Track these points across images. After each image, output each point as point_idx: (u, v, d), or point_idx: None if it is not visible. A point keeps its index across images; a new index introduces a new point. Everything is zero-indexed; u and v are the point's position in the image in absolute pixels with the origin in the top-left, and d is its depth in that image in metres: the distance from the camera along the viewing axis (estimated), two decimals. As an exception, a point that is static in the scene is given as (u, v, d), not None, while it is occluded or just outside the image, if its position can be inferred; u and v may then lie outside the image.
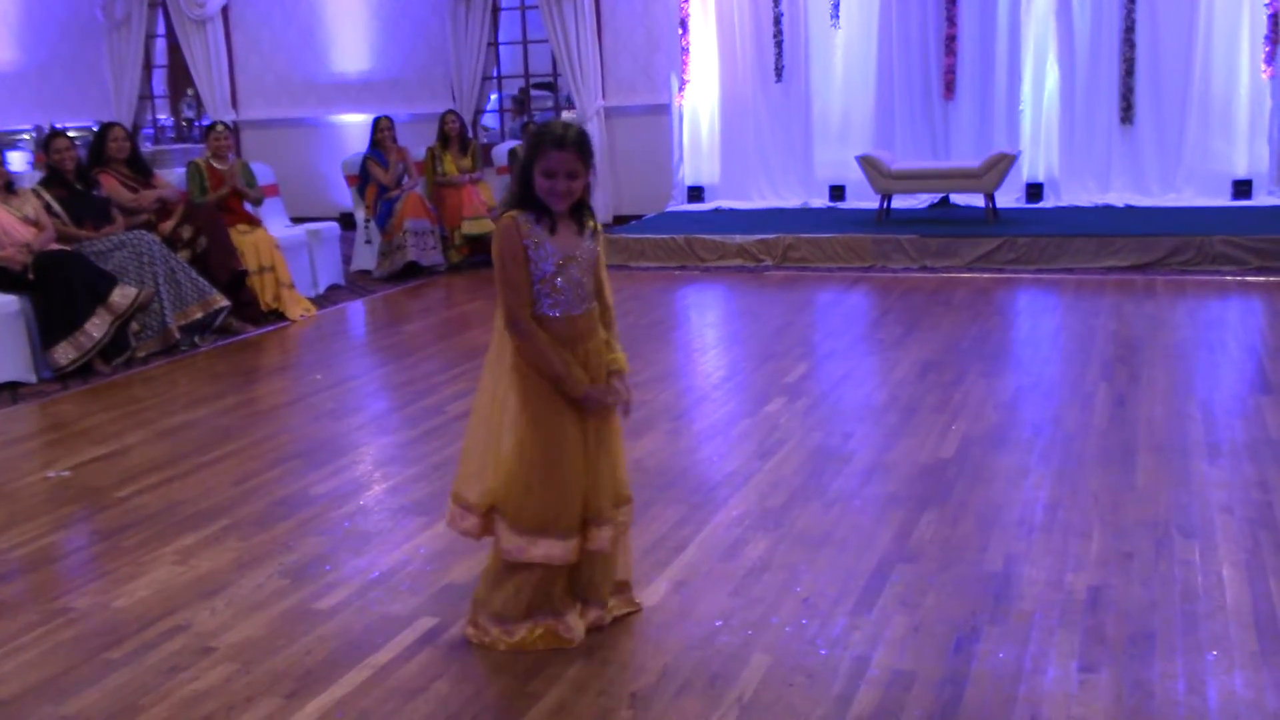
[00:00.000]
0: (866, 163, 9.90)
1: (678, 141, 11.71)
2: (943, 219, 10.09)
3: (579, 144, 3.04)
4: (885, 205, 9.98)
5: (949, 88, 10.87)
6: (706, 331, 8.05)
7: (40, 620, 3.57)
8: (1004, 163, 9.54)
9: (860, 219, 10.12)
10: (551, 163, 3.03)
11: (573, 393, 3.12)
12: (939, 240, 9.09)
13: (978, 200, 10.05)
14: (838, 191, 11.32)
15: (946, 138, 10.99)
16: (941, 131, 11.01)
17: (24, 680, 3.19)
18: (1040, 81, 10.62)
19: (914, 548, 3.82)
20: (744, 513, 4.19)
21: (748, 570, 3.70)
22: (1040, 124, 10.67)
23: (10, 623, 3.56)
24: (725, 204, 11.50)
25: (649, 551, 3.86)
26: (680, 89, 11.56)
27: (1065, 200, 10.57)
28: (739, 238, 9.64)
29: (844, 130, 11.24)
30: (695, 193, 11.79)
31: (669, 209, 11.56)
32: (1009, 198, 10.43)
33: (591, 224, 3.19)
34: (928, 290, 8.25)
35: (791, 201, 11.40)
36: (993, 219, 9.65)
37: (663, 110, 11.76)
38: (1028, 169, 10.67)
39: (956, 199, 10.59)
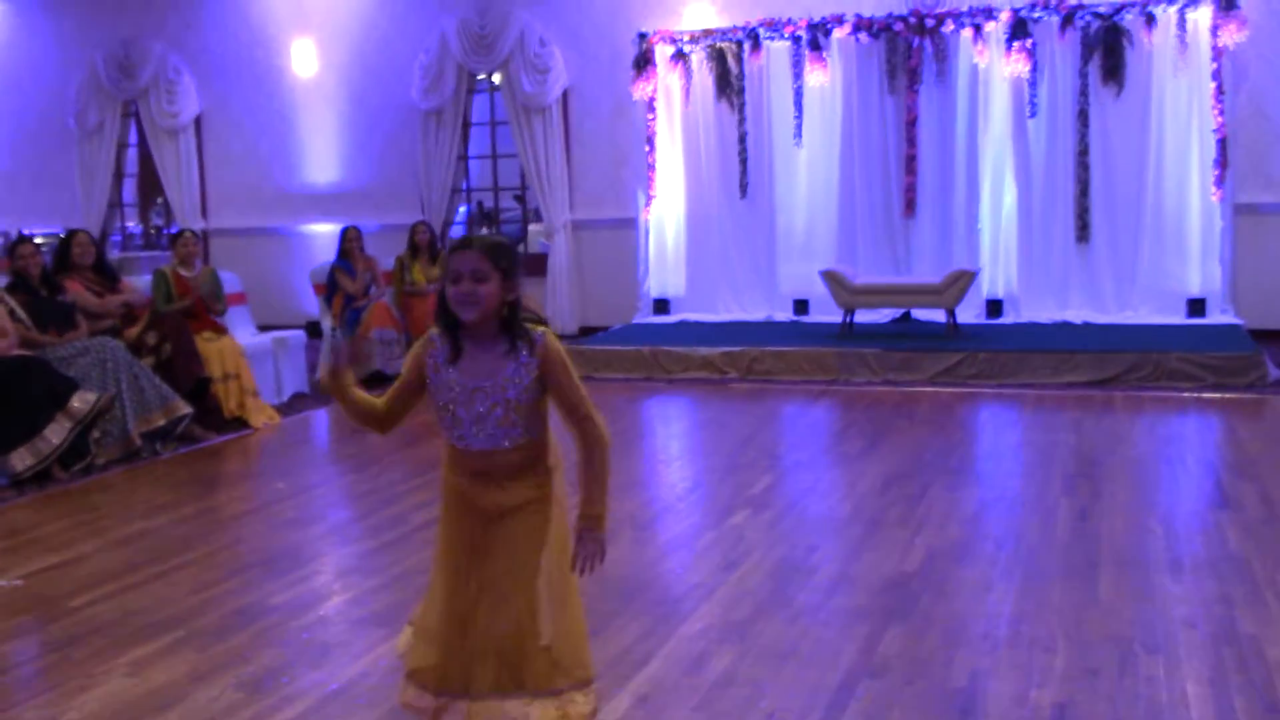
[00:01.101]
0: (830, 278, 10.04)
1: (644, 254, 11.86)
2: (905, 333, 10.22)
3: (485, 247, 2.79)
4: (848, 319, 10.10)
5: (910, 205, 11.10)
6: (671, 443, 8.06)
7: (-14, 734, 3.47)
8: (964, 279, 9.71)
9: (824, 333, 10.23)
10: (455, 263, 2.79)
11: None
12: (901, 354, 9.20)
13: (939, 315, 10.20)
14: (801, 305, 11.45)
15: (908, 254, 11.19)
16: (903, 248, 11.21)
17: (-34, 797, 3.10)
18: (998, 200, 10.87)
19: (879, 663, 3.79)
20: (709, 625, 4.16)
21: (712, 683, 3.66)
22: (999, 241, 10.89)
23: (-46, 737, 3.46)
24: (690, 316, 11.61)
25: (612, 664, 3.81)
26: (647, 204, 11.75)
27: (1025, 316, 10.74)
28: (704, 350, 9.71)
29: (808, 245, 11.41)
30: (661, 305, 11.90)
31: (635, 320, 11.65)
32: (969, 313, 10.59)
33: (526, 347, 2.83)
34: (891, 404, 8.32)
35: (756, 314, 11.52)
36: (954, 334, 9.79)
37: (629, 224, 11.92)
38: (987, 285, 10.86)
39: (918, 314, 10.74)
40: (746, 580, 4.63)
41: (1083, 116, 10.55)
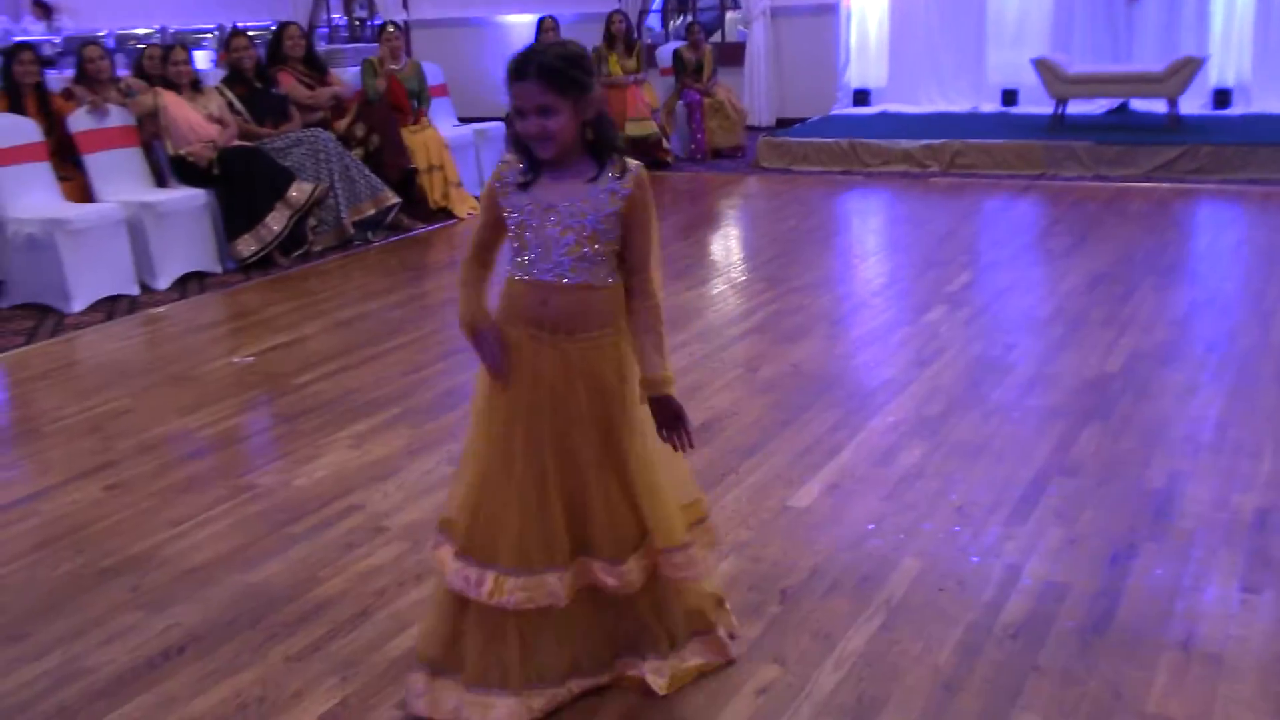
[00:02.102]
0: (1042, 66, 9.54)
1: (845, 43, 11.47)
2: (1121, 125, 9.69)
3: (544, 70, 2.31)
4: (1060, 110, 9.62)
5: (1134, -14, 10.35)
6: (868, 238, 7.96)
7: (228, 495, 3.81)
8: (1190, 67, 9.08)
9: (1033, 125, 9.78)
10: (515, 96, 2.36)
11: (470, 339, 2.53)
12: (1116, 148, 8.75)
13: (1159, 106, 9.60)
14: (1010, 96, 10.97)
15: (1129, 40, 10.50)
16: (1123, 33, 10.51)
17: (214, 549, 3.43)
18: (1235, -21, 10.03)
19: (1073, 461, 3.77)
20: (900, 419, 4.19)
21: (901, 476, 3.72)
22: (1232, 25, 10.09)
23: (201, 496, 3.81)
24: (891, 108, 11.25)
25: (803, 454, 3.90)
26: (850, -12, 11.30)
27: (1255, 107, 10.02)
28: (905, 143, 9.44)
29: (1019, 32, 10.84)
30: (861, 96, 11.56)
31: (834, 112, 11.37)
32: (1194, 104, 9.93)
33: (618, 173, 2.40)
34: (1101, 200, 7.97)
35: (961, 106, 11.08)
36: (1175, 126, 9.22)
37: (830, 11, 11.51)
38: (1215, 74, 10.13)
39: (1136, 105, 10.14)
40: (940, 376, 4.62)
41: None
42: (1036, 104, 10.32)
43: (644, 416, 2.49)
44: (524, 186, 2.44)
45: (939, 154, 9.29)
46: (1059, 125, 9.56)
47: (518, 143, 2.42)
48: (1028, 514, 3.42)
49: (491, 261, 2.55)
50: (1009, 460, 3.81)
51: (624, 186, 2.40)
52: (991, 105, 11.02)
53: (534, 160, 2.42)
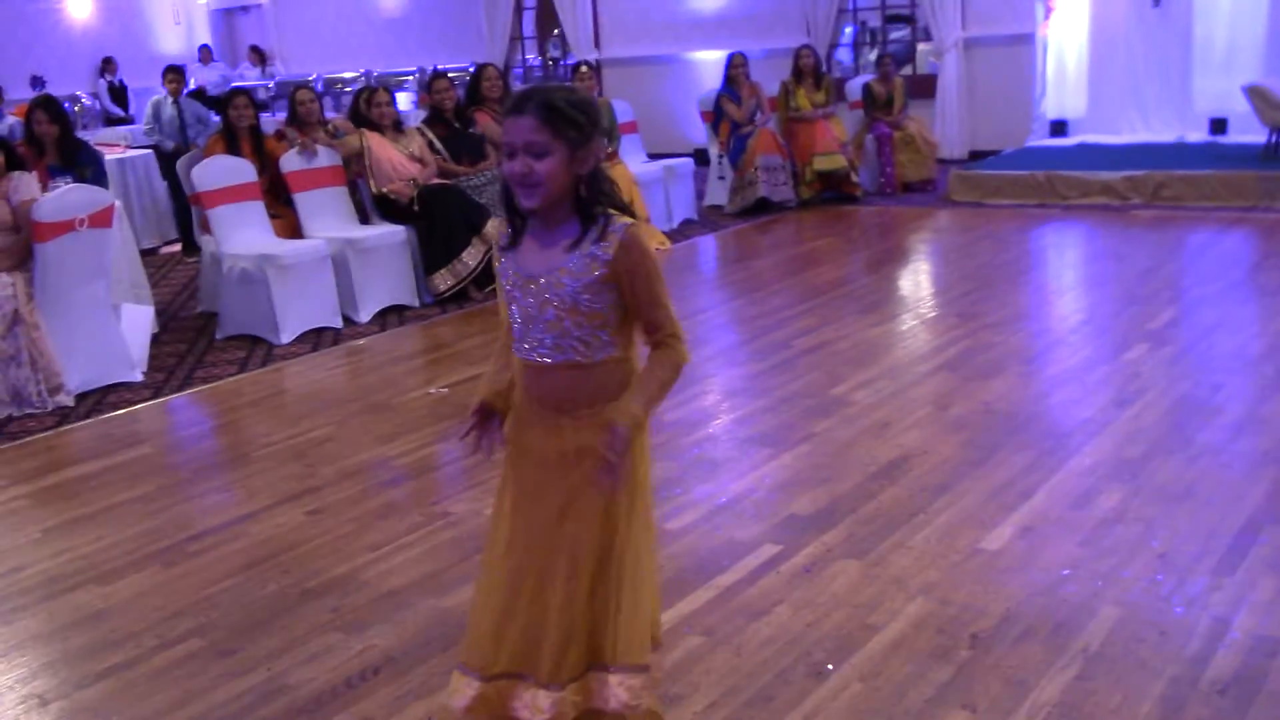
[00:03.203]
0: (1254, 93, 9.10)
1: (1040, 73, 11.20)
2: (1342, 154, 9.16)
3: (543, 108, 2.12)
4: (1274, 139, 9.15)
5: (1357, 7, 9.81)
6: (1065, 273, 7.72)
7: (423, 522, 3.94)
8: None
9: (1243, 154, 9.33)
10: (507, 133, 2.17)
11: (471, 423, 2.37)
12: (1336, 178, 8.28)
13: (1385, 133, 9.05)
14: (1219, 125, 10.51)
15: (1351, 64, 9.94)
16: (1345, 57, 9.96)
17: (410, 574, 3.55)
18: None
19: (1288, 509, 3.57)
20: (1098, 461, 4.04)
21: (1099, 520, 3.58)
22: None
23: (398, 522, 3.95)
24: (1090, 138, 10.91)
25: (995, 495, 3.80)
26: (1046, 17, 11.03)
27: None
28: (1105, 174, 9.14)
29: (1229, 57, 10.39)
30: (1058, 126, 11.25)
31: (1029, 143, 11.09)
32: None
33: (605, 229, 2.19)
34: (1319, 233, 7.55)
35: (1165, 135, 10.67)
36: (1403, 154, 8.68)
37: (1025, 40, 11.25)
38: None
39: (1360, 132, 9.57)
40: (1141, 417, 4.44)
41: None
42: (1248, 133, 9.84)
43: (647, 507, 2.34)
44: (507, 249, 2.28)
45: (1141, 186, 8.96)
46: (1273, 155, 9.10)
47: (506, 196, 2.24)
48: (1237, 564, 3.25)
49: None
50: (1216, 506, 3.63)
51: (605, 251, 2.18)
52: (1199, 134, 10.57)
53: (518, 217, 2.25)
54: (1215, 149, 9.93)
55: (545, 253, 2.22)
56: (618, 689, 2.25)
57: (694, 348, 6.02)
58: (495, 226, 7.26)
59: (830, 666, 2.87)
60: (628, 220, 2.21)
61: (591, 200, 2.20)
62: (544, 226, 2.23)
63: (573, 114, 2.14)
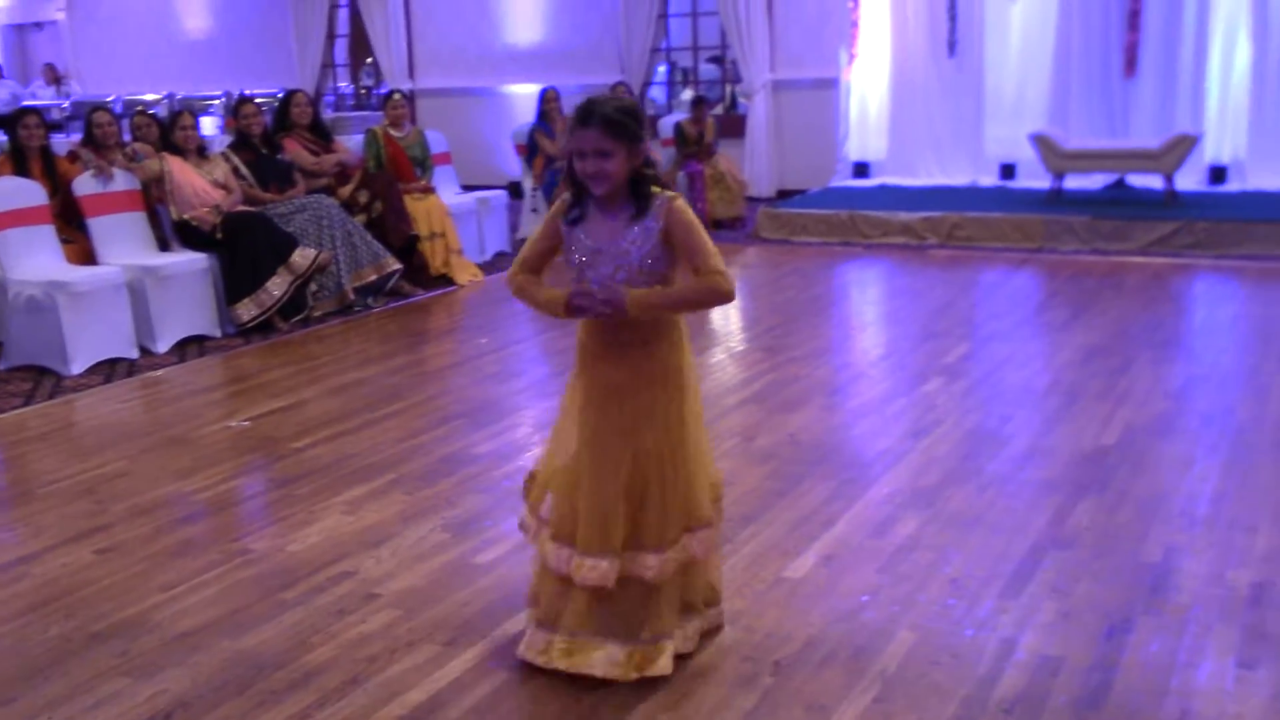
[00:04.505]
0: (1040, 141, 9.65)
1: (844, 116, 11.60)
2: (1118, 200, 9.76)
3: (606, 120, 2.75)
4: (1058, 185, 9.71)
5: (1130, 64, 10.49)
6: (866, 309, 8.00)
7: (221, 559, 3.80)
8: (1185, 144, 9.18)
9: (1031, 199, 9.87)
10: (578, 140, 2.80)
11: (561, 312, 2.89)
12: (1112, 223, 8.82)
13: (1156, 182, 9.68)
14: (1008, 170, 11.07)
15: (1125, 116, 10.62)
16: (1120, 110, 10.63)
17: (205, 614, 3.41)
18: (1229, 59, 10.15)
19: (1069, 534, 3.76)
20: (895, 490, 4.19)
21: (896, 548, 3.71)
22: (1227, 103, 10.21)
23: (194, 561, 3.80)
24: (891, 180, 11.35)
25: (799, 525, 3.89)
26: (849, 63, 11.45)
27: (1251, 184, 10.10)
28: (904, 215, 9.52)
29: (1018, 107, 10.96)
30: (860, 168, 11.66)
31: (833, 184, 11.47)
32: (1190, 180, 10.01)
33: (653, 205, 2.83)
34: (1098, 274, 8.03)
35: (960, 179, 11.18)
36: (1171, 202, 9.30)
37: (830, 84, 11.66)
38: (1211, 150, 10.23)
39: (1133, 180, 10.22)
40: (936, 447, 4.62)
41: (1331, -34, 9.72)
42: (1034, 178, 10.41)
43: (697, 413, 2.99)
44: (575, 222, 2.89)
45: (938, 226, 9.37)
46: (1057, 199, 9.65)
47: (572, 180, 2.85)
48: (1022, 587, 3.40)
49: (541, 271, 2.99)
50: (1004, 533, 3.80)
51: (656, 222, 2.82)
52: (990, 179, 11.11)
53: (582, 197, 2.87)
54: (1005, 193, 10.46)
55: (610, 227, 2.85)
56: (692, 544, 2.96)
57: (504, 380, 6.01)
58: (303, 255, 7.12)
59: (639, 698, 2.88)
60: (669, 194, 2.86)
61: (645, 183, 2.84)
62: (606, 206, 2.86)
63: (628, 122, 2.78)
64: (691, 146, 10.62)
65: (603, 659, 2.91)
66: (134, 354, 6.55)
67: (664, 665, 2.92)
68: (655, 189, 2.86)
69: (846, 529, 3.87)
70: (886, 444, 4.72)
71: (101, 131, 7.27)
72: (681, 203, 2.87)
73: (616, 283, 2.83)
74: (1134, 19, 10.41)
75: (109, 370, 6.30)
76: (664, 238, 2.83)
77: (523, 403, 5.59)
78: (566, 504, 2.95)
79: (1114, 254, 8.61)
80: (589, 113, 2.77)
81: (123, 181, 7.07)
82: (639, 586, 2.92)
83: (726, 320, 7.47)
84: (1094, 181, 10.33)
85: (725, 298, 2.87)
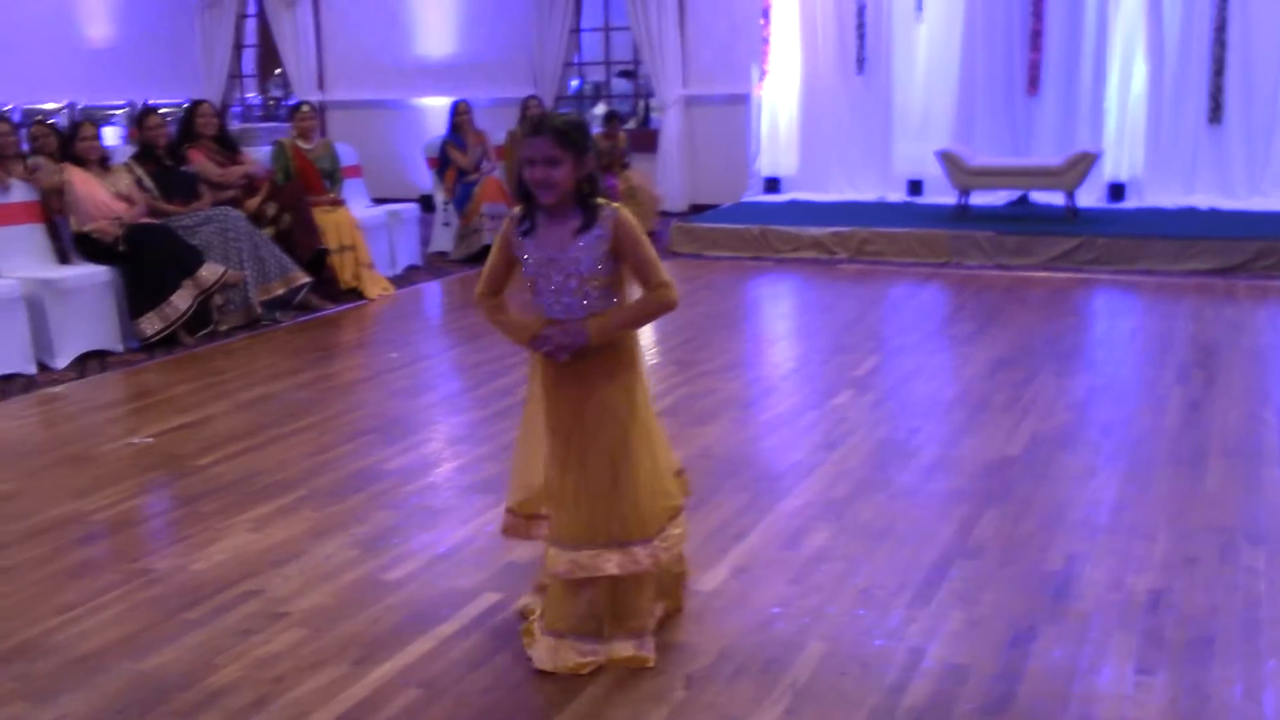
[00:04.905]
0: (946, 158, 9.83)
1: (755, 132, 11.71)
2: (1021, 216, 9.98)
3: (555, 131, 2.88)
4: (963, 201, 9.90)
5: (1033, 83, 10.74)
6: (777, 323, 8.07)
7: (122, 580, 3.71)
8: (1086, 161, 9.42)
9: (937, 214, 10.05)
10: (528, 149, 2.91)
11: (527, 344, 3.05)
12: (1016, 238, 9.01)
13: (1058, 199, 9.92)
14: (915, 186, 11.25)
15: (1028, 134, 10.87)
16: (1023, 128, 10.89)
17: (106, 636, 3.33)
18: (1127, 79, 10.43)
19: (975, 544, 3.83)
20: (807, 502, 4.23)
21: (807, 559, 3.74)
22: (1125, 122, 10.48)
23: (94, 581, 3.70)
24: (801, 196, 11.47)
25: (710, 537, 3.91)
26: (760, 79, 11.56)
27: (1148, 201, 10.39)
28: (814, 230, 9.63)
29: (924, 124, 11.15)
30: (772, 184, 11.77)
31: (745, 199, 11.57)
32: (1090, 197, 10.27)
33: (600, 216, 2.95)
34: (1002, 288, 8.19)
35: (868, 195, 11.34)
36: (1072, 218, 9.53)
37: (742, 100, 11.77)
38: (1110, 168, 10.50)
39: (1036, 197, 10.47)
40: (847, 459, 4.68)
41: (1222, -9, 10.05)
42: (941, 194, 10.59)
43: (650, 420, 3.16)
44: (526, 234, 2.99)
45: (847, 241, 9.49)
46: (962, 215, 9.83)
47: (521, 190, 2.96)
48: (930, 596, 3.45)
49: (503, 291, 3.12)
50: (912, 543, 3.85)
51: (604, 232, 2.94)
52: (898, 195, 11.28)
53: (532, 210, 2.97)
54: (912, 209, 10.64)
55: (558, 236, 2.95)
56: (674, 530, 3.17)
57: (415, 395, 5.96)
58: (211, 271, 6.99)
59: (551, 713, 2.87)
60: (614, 205, 2.98)
61: (591, 194, 2.95)
62: (554, 217, 2.96)
63: (576, 134, 2.90)
64: (604, 160, 10.64)
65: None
66: (31, 369, 6.37)
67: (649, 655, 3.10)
68: (600, 200, 2.98)
69: (758, 541, 3.90)
70: (798, 456, 4.77)
71: (-1, 141, 7.07)
72: (626, 214, 2.99)
73: (577, 319, 2.97)
74: (1036, 39, 10.67)
75: (4, 387, 6.13)
76: (612, 246, 2.95)
77: (434, 418, 5.54)
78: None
79: (1017, 269, 8.80)
80: (540, 123, 2.91)
81: (20, 192, 6.89)
82: (631, 580, 3.07)
83: (639, 334, 7.49)
84: (998, 198, 10.56)
85: (674, 306, 3.06)
